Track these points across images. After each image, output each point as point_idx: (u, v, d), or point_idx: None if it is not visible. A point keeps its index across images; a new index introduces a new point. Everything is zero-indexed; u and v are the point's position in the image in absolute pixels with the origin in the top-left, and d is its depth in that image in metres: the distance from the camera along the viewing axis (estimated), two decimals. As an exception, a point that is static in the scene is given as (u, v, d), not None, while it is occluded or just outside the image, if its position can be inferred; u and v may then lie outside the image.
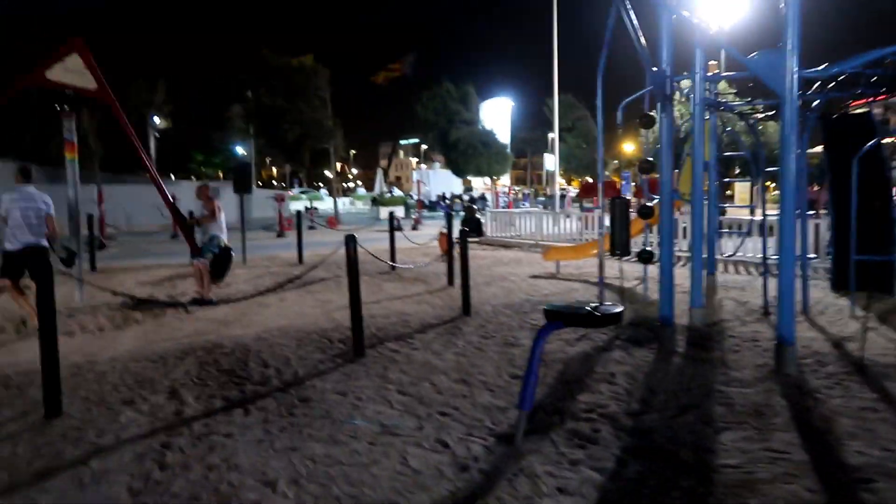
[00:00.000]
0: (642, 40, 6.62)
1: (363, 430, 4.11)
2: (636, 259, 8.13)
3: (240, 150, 71.54)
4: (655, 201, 7.57)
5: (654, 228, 9.57)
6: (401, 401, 4.68)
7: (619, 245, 7.16)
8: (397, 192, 51.56)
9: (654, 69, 6.21)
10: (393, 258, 13.11)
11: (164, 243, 19.70)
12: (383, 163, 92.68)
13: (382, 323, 7.38)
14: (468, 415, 4.35)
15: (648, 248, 7.53)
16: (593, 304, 3.71)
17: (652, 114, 6.71)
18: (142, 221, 24.94)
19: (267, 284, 10.69)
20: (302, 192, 52.53)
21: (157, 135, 47.79)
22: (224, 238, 9.17)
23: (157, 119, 52.52)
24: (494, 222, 18.42)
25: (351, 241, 5.94)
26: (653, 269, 8.27)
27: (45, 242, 7.48)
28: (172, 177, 46.46)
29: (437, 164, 48.64)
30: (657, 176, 6.62)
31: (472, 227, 19.60)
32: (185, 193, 26.73)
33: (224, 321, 7.81)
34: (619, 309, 3.66)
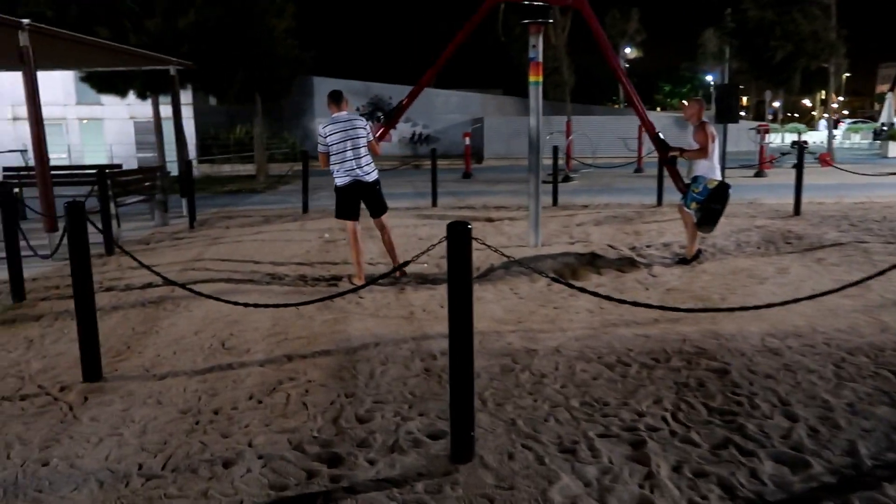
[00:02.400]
0: None
1: None
2: None
3: (709, 78, 66.86)
4: None
5: None
6: None
7: None
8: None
9: None
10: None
11: (628, 178, 18.33)
12: (882, 87, 75.11)
13: None
14: None
15: None
16: None
17: None
18: (607, 153, 24.20)
19: (755, 242, 8.07)
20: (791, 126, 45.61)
21: (626, 65, 47.17)
22: (716, 176, 6.83)
23: (628, 49, 52.00)
24: None
25: None
26: None
27: (373, 175, 6.30)
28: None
29: None
30: None
31: None
32: (608, 124, 25.15)
33: (701, 296, 5.64)
34: None
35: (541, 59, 7.40)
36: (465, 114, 31.04)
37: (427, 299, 5.71)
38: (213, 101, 24.99)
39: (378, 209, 6.50)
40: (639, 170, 19.78)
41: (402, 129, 30.48)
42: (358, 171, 6.20)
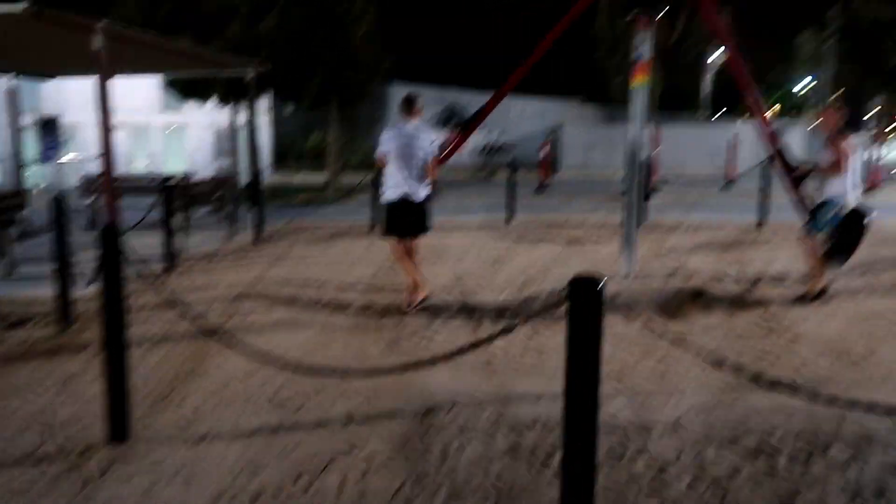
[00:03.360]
0: None
1: None
2: None
3: (805, 82, 63.03)
4: None
5: None
6: None
7: None
8: None
9: None
10: None
11: (715, 195, 16.99)
12: None
13: None
14: None
15: None
16: None
17: None
18: (694, 166, 22.73)
19: (886, 276, 6.90)
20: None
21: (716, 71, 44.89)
22: (851, 199, 5.78)
23: (717, 53, 49.52)
24: None
25: None
26: None
27: (423, 192, 5.66)
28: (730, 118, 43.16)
29: None
30: None
31: None
32: (744, 136, 23.42)
33: (839, 348, 4.63)
34: None
35: (647, 57, 6.51)
36: (543, 122, 30.09)
37: (506, 343, 4.93)
38: (290, 109, 25.07)
39: (419, 228, 5.89)
40: (730, 183, 18.36)
41: (475, 138, 29.82)
42: (406, 188, 5.65)
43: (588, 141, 25.63)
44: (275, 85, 17.13)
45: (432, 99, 28.31)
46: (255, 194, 9.83)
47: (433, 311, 5.78)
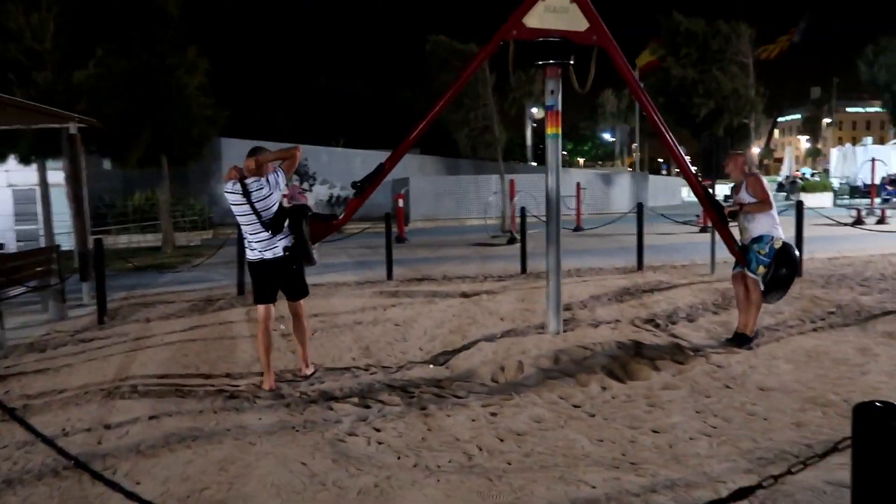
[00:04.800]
0: None
1: None
2: None
3: (606, 136, 69.54)
4: None
5: None
6: None
7: None
8: (808, 173, 43.06)
9: None
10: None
11: (574, 237, 17.46)
12: (758, 143, 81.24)
13: None
14: None
15: None
16: None
17: None
18: (542, 212, 23.52)
19: (791, 313, 7.07)
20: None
21: (534, 125, 47.92)
22: (780, 234, 5.79)
23: (535, 110, 53.16)
24: None
25: None
26: None
27: (282, 245, 5.04)
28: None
29: (869, 140, 38.43)
30: None
31: None
32: (540, 182, 24.61)
33: (814, 398, 4.40)
34: None
35: (559, 107, 6.19)
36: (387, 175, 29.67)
37: (472, 428, 4.13)
38: (106, 164, 22.45)
39: (291, 292, 5.25)
40: (578, 228, 19.07)
41: (319, 192, 28.75)
42: (262, 247, 5.03)
43: (434, 191, 25.65)
44: (94, 141, 15.00)
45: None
46: (97, 262, 8.13)
47: (363, 390, 4.84)
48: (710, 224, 17.54)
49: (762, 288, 5.78)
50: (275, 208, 5.00)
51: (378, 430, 4.12)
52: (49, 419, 4.50)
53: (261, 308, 5.17)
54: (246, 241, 5.10)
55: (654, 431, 4.00)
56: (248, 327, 7.32)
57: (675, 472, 3.37)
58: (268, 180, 4.98)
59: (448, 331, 6.94)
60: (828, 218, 12.84)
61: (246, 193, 4.91)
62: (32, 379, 5.62)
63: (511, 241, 16.41)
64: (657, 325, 6.83)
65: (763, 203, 5.68)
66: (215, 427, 4.15)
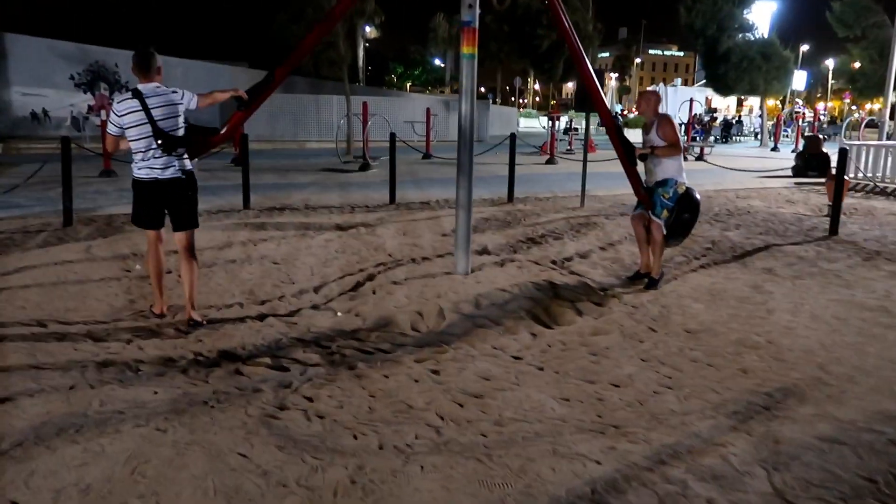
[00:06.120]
0: None
1: None
2: None
3: (437, 62, 69.08)
4: None
5: None
6: None
7: None
8: (618, 109, 46.08)
9: None
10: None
11: (424, 165, 17.02)
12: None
13: None
14: None
15: None
16: None
17: None
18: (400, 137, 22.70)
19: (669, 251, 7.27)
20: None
21: (367, 44, 46.05)
22: (685, 179, 5.77)
23: (368, 28, 50.99)
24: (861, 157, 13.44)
25: None
26: None
27: (182, 166, 4.54)
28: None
29: (679, 81, 42.02)
30: None
31: (818, 163, 14.96)
32: (387, 106, 23.91)
33: (744, 340, 4.45)
34: None
35: (476, 23, 5.57)
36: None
37: (420, 391, 3.62)
38: None
39: (185, 220, 4.65)
40: (427, 156, 18.68)
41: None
42: (159, 166, 4.45)
43: (270, 110, 23.67)
44: None
45: (71, 57, 22.85)
46: None
47: (269, 347, 4.11)
48: (552, 154, 18.12)
49: (665, 232, 5.77)
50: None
51: (310, 400, 3.46)
52: None
53: (150, 232, 4.65)
54: (137, 158, 4.44)
55: (615, 385, 3.77)
56: (92, 267, 6.04)
57: (665, 435, 3.14)
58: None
59: (338, 269, 6.26)
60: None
61: (145, 107, 4.27)
62: None
63: (363, 167, 15.60)
64: (555, 262, 6.69)
65: (673, 146, 5.60)
66: (101, 409, 3.21)
